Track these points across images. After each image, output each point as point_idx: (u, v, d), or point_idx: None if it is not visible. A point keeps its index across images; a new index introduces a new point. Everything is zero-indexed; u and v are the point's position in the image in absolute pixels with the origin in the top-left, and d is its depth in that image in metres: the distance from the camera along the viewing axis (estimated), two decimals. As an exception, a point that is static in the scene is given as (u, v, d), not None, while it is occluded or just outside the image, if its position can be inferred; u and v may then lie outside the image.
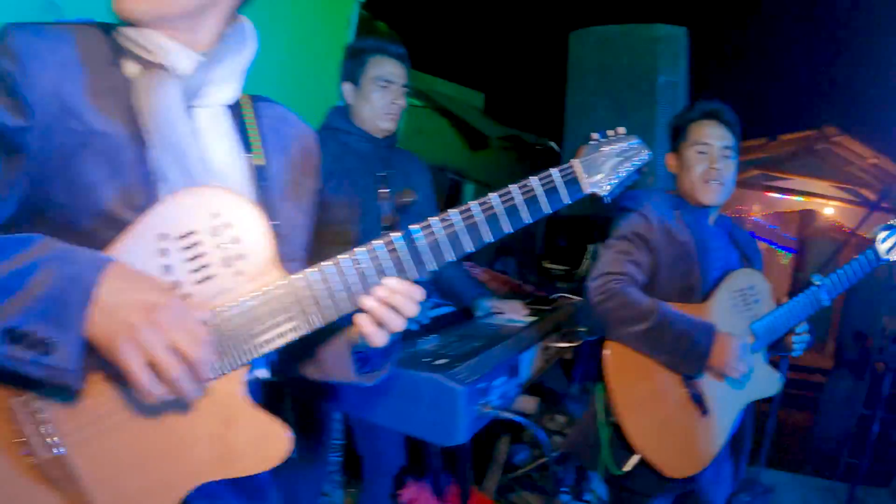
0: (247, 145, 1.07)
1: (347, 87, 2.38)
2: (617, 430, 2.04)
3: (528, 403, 2.53)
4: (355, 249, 1.00)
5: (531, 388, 2.52)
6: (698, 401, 2.06)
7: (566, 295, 3.39)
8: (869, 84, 7.72)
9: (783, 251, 10.49)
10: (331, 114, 2.43)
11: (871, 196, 8.90)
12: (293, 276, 0.98)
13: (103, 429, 0.91)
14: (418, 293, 1.01)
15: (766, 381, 2.21)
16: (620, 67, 3.82)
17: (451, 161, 6.62)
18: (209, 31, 1.03)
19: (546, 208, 1.06)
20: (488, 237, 1.05)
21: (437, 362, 1.88)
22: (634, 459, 2.03)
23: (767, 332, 2.14)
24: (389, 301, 1.00)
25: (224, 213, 0.95)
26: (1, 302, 0.79)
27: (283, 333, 0.98)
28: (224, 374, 0.95)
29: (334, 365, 1.14)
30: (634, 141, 1.14)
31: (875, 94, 7.56)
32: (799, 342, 2.20)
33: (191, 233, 0.94)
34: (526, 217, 1.05)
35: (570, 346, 2.74)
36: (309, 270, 0.99)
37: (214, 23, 1.03)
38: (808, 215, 9.99)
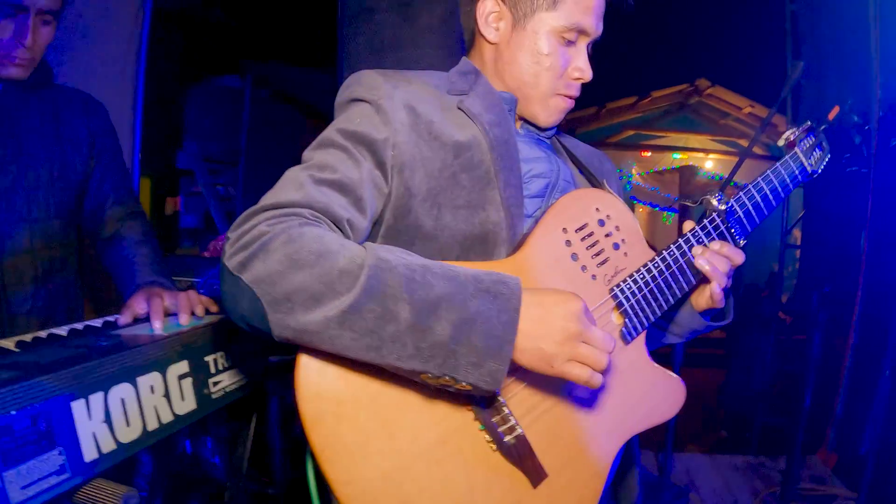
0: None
1: None
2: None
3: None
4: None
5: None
6: (516, 454, 1.03)
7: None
8: (739, 33, 7.67)
9: (665, 212, 10.46)
10: None
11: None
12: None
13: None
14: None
15: (654, 390, 1.16)
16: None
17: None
18: None
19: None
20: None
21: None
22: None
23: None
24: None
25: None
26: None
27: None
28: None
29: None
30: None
31: (745, 42, 7.50)
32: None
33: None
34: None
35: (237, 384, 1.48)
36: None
37: None
38: (687, 171, 9.96)
